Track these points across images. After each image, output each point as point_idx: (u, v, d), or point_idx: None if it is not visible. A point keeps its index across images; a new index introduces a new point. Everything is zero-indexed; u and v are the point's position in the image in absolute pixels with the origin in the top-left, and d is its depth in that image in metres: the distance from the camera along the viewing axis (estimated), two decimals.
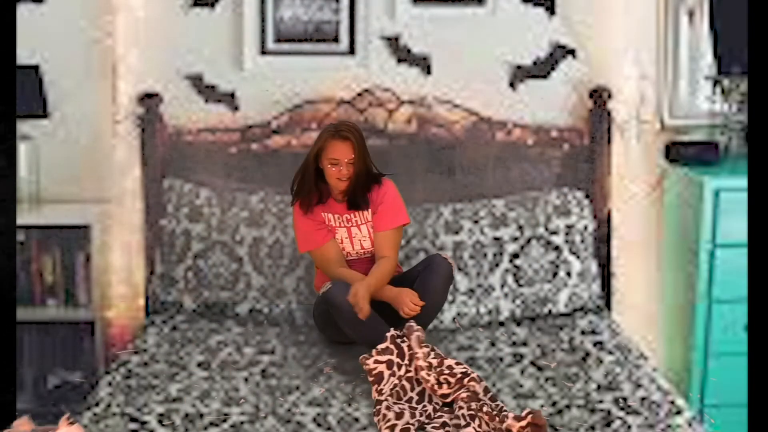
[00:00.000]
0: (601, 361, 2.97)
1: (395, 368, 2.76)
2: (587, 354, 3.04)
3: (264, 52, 3.60)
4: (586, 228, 3.48)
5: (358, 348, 2.94)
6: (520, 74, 3.65)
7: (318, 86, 3.61)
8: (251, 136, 3.57)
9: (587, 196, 3.56)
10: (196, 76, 3.60)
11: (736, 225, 3.34)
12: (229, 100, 3.62)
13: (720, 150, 3.61)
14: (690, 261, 3.47)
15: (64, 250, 3.56)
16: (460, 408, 2.60)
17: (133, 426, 2.54)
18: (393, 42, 3.61)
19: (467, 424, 2.53)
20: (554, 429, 2.55)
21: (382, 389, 2.72)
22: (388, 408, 2.62)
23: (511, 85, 3.66)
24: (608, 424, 2.56)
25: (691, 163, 3.57)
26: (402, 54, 3.62)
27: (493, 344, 3.15)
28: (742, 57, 3.47)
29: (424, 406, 2.68)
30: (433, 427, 2.55)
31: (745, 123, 3.65)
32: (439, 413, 2.64)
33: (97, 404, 2.66)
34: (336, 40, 3.61)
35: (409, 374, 2.76)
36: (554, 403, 2.69)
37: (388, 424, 2.55)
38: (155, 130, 3.53)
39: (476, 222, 3.40)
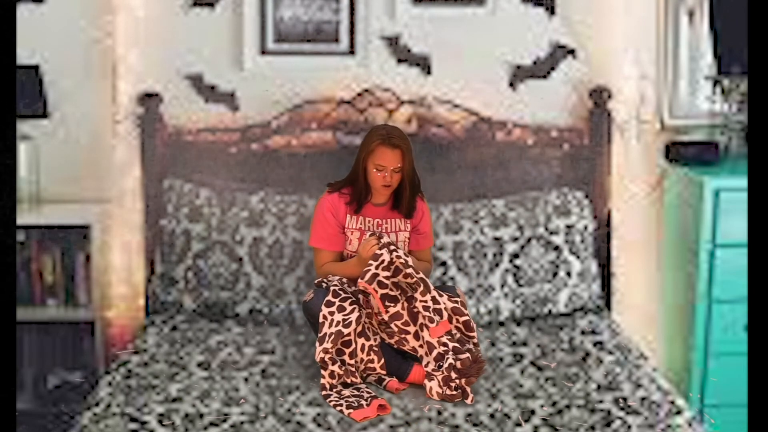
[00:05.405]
0: (601, 361, 2.97)
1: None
2: (587, 354, 3.04)
3: (264, 52, 3.60)
4: (586, 228, 3.48)
5: None
6: (520, 74, 3.65)
7: (318, 86, 3.61)
8: (251, 136, 3.57)
9: (587, 196, 3.56)
10: (196, 76, 3.60)
11: (736, 225, 3.34)
12: (229, 100, 3.62)
13: (720, 150, 3.62)
14: (690, 261, 3.47)
15: (64, 250, 3.56)
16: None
17: (133, 426, 2.54)
18: (393, 42, 3.61)
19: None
20: (554, 429, 2.55)
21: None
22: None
23: (511, 85, 3.66)
24: (608, 424, 2.56)
25: (691, 163, 3.57)
26: (402, 54, 3.62)
27: (493, 344, 3.15)
28: (742, 57, 3.47)
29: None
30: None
31: (745, 123, 3.65)
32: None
33: (97, 404, 2.66)
34: (336, 40, 3.61)
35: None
36: (554, 403, 2.69)
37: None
38: (155, 130, 3.53)
39: (476, 222, 3.40)
